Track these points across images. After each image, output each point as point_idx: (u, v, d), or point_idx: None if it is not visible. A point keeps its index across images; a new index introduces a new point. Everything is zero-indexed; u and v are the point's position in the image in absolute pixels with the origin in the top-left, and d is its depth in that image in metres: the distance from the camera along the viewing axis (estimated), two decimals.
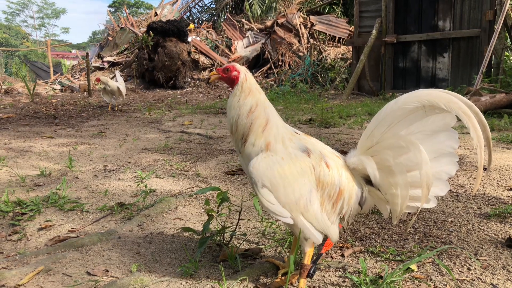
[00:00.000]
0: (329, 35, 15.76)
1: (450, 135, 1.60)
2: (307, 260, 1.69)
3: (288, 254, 2.02)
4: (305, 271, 1.69)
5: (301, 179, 1.61)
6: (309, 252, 1.69)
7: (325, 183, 1.63)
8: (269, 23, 16.82)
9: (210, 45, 17.04)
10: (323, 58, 14.42)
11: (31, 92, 11.17)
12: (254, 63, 16.19)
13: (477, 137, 1.46)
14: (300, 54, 15.08)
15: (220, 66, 15.27)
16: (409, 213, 2.48)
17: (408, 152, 1.56)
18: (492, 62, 9.28)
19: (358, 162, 1.69)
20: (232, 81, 1.74)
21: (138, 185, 3.34)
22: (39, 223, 2.57)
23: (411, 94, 1.56)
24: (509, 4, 8.78)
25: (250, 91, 1.70)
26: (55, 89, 14.39)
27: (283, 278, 1.82)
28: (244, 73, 1.73)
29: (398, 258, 2.04)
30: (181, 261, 2.03)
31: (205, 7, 22.94)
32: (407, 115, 1.57)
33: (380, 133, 1.62)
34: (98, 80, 8.60)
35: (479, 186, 3.16)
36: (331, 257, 2.08)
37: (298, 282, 1.70)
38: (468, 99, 6.30)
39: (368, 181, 1.71)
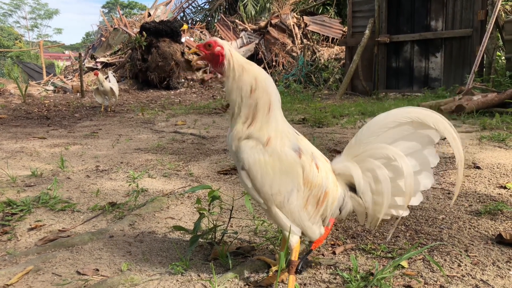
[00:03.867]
0: (323, 35, 15.80)
1: (432, 152, 1.69)
2: (294, 256, 1.69)
3: (279, 251, 2.02)
4: (293, 268, 1.69)
5: (284, 177, 1.61)
6: (295, 247, 1.69)
7: (313, 183, 1.65)
8: (262, 23, 16.83)
9: None
10: (316, 59, 14.45)
11: (24, 93, 11.10)
12: None
13: (460, 157, 1.61)
14: (294, 54, 15.11)
15: None
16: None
17: (394, 162, 1.64)
18: (484, 61, 9.35)
19: (345, 168, 1.73)
20: (216, 59, 1.62)
21: (130, 184, 3.33)
22: (29, 223, 2.55)
23: (402, 109, 1.66)
24: (501, 4, 8.85)
25: (243, 68, 1.62)
26: (47, 90, 14.30)
27: (274, 275, 1.81)
28: (228, 48, 1.63)
29: (389, 255, 2.04)
30: (172, 260, 2.02)
31: (199, 8, 22.93)
32: (396, 128, 1.66)
33: (368, 142, 1.68)
34: (96, 74, 8.58)
35: (472, 185, 3.18)
36: (323, 254, 2.08)
37: (287, 279, 1.70)
38: (460, 98, 6.36)
39: (351, 188, 1.75)
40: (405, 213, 1.75)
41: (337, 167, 1.75)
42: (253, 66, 1.67)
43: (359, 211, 1.78)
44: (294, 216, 1.66)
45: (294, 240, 1.69)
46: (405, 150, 1.66)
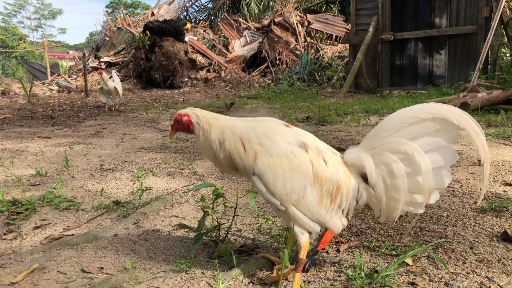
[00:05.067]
0: (326, 33, 15.75)
1: (452, 150, 1.65)
2: (303, 255, 1.69)
3: (283, 249, 2.02)
4: (301, 266, 1.69)
5: (295, 174, 1.62)
6: (304, 246, 1.69)
7: (323, 179, 1.64)
8: (266, 22, 16.81)
9: (207, 45, 17.02)
10: (320, 57, 14.42)
11: (28, 93, 11.15)
12: (252, 62, 16.18)
13: (485, 153, 1.58)
14: (297, 52, 15.08)
15: (218, 65, 15.32)
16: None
17: (412, 158, 1.60)
18: (489, 58, 9.30)
19: (357, 159, 1.70)
20: (188, 127, 1.74)
21: (134, 183, 3.34)
22: (34, 222, 2.56)
23: (425, 105, 1.63)
24: (505, 1, 8.79)
25: (210, 125, 1.71)
26: (52, 90, 14.36)
27: (278, 273, 1.81)
28: (192, 113, 1.73)
29: (394, 252, 2.04)
30: (176, 258, 2.03)
31: (202, 7, 22.92)
32: (417, 124, 1.62)
33: (386, 136, 1.65)
34: (100, 73, 8.61)
35: (477, 182, 3.16)
36: (327, 252, 2.08)
37: (293, 276, 1.70)
38: (465, 95, 6.34)
39: (364, 178, 1.72)
40: (421, 210, 1.71)
41: (349, 158, 1.73)
42: (219, 120, 1.74)
43: (373, 203, 1.76)
44: (313, 211, 1.65)
45: (304, 239, 1.69)
46: (424, 147, 1.62)
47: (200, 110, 1.75)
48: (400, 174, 1.62)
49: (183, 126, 1.74)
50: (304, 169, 1.63)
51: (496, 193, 2.88)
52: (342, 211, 1.73)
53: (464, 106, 6.50)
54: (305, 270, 1.73)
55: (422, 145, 1.62)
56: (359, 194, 1.73)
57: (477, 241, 2.13)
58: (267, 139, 1.67)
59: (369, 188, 1.71)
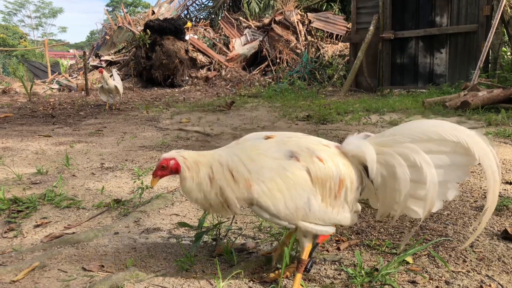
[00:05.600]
0: (327, 32, 15.73)
1: (464, 169, 1.60)
2: (305, 255, 1.68)
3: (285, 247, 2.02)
4: (303, 266, 1.68)
5: (294, 191, 1.58)
6: (307, 247, 1.69)
7: (323, 179, 1.59)
8: (266, 20, 16.78)
9: (207, 43, 17.01)
10: (320, 55, 14.40)
11: (29, 91, 11.15)
12: (252, 61, 16.16)
13: (493, 201, 1.51)
14: (298, 51, 15.06)
15: (218, 64, 15.30)
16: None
17: (420, 169, 1.55)
18: (490, 57, 9.29)
19: (358, 150, 1.64)
20: (176, 170, 1.66)
21: (134, 182, 3.34)
22: (35, 220, 2.56)
23: (452, 126, 1.56)
24: None
25: (197, 163, 1.65)
26: (53, 88, 14.36)
27: (278, 271, 1.82)
28: (178, 156, 1.66)
29: (394, 251, 2.04)
30: (177, 256, 2.03)
31: (203, 5, 22.89)
32: (438, 141, 1.56)
33: (402, 140, 1.59)
34: (101, 71, 8.61)
35: (477, 180, 3.16)
36: (327, 250, 2.08)
37: (294, 275, 1.71)
38: (466, 94, 6.32)
39: (365, 169, 1.66)
40: (419, 217, 1.66)
41: (349, 149, 1.67)
42: (206, 156, 1.68)
43: (371, 197, 1.75)
44: (324, 218, 1.62)
45: (308, 243, 1.68)
46: (435, 162, 1.56)
47: (186, 152, 1.70)
48: (404, 178, 1.57)
49: (170, 171, 1.66)
50: (302, 181, 1.58)
51: None
52: (354, 202, 1.68)
53: (464, 104, 6.50)
54: (306, 270, 1.74)
55: (435, 159, 1.56)
56: (364, 185, 1.69)
57: (478, 240, 2.13)
58: (252, 163, 1.61)
59: (369, 181, 1.67)
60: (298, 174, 1.58)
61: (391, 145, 1.61)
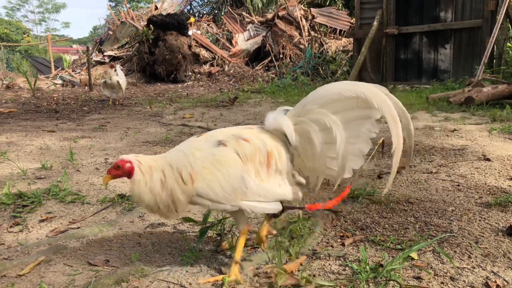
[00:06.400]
0: (330, 27, 15.66)
1: (371, 122, 1.71)
2: (241, 242, 1.77)
3: (287, 243, 2.03)
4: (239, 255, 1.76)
5: (226, 172, 1.66)
6: (243, 231, 1.77)
7: (252, 155, 1.69)
8: (270, 16, 16.72)
9: (210, 39, 16.97)
10: (324, 51, 14.35)
11: (33, 87, 11.17)
12: (255, 56, 16.13)
13: (398, 143, 1.57)
14: (301, 46, 15.01)
15: (221, 59, 15.28)
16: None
17: (330, 131, 1.65)
18: (494, 52, 9.23)
19: (276, 123, 1.75)
20: (129, 173, 1.68)
21: None
22: (40, 215, 2.58)
23: (351, 83, 1.68)
24: None
25: (150, 168, 1.68)
26: (56, 83, 14.38)
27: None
28: (135, 160, 1.69)
29: (399, 246, 2.04)
30: (181, 251, 2.04)
31: (206, 1, 22.83)
32: (340, 100, 1.67)
33: (312, 107, 1.70)
34: (112, 66, 8.65)
35: (482, 177, 3.15)
36: (332, 246, 2.08)
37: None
38: (470, 90, 6.29)
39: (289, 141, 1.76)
40: (346, 175, 1.74)
41: (269, 124, 1.77)
42: (158, 160, 1.72)
43: (301, 165, 1.82)
44: (265, 194, 1.70)
45: (241, 227, 1.78)
46: (343, 120, 1.67)
47: (142, 156, 1.73)
48: (318, 141, 1.68)
49: (123, 172, 1.68)
50: (233, 163, 1.66)
51: (501, 187, 2.87)
52: (287, 175, 1.76)
53: (469, 100, 6.47)
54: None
55: (341, 119, 1.67)
56: (291, 154, 1.77)
57: (483, 236, 2.13)
58: (187, 158, 1.69)
59: (293, 149, 1.76)
60: (227, 156, 1.67)
61: (304, 114, 1.72)
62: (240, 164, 1.66)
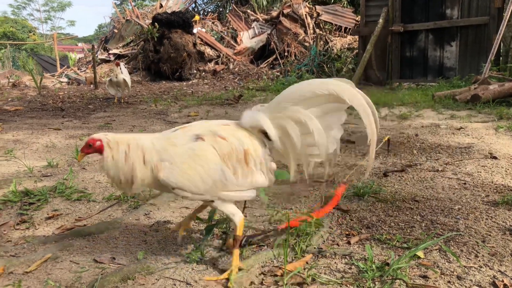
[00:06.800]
0: (335, 25, 15.61)
1: (341, 113, 1.86)
2: (239, 231, 1.80)
3: (293, 241, 2.03)
4: (238, 242, 1.80)
5: (206, 165, 1.73)
6: (240, 224, 1.81)
7: (229, 153, 1.76)
8: (274, 13, 16.68)
9: (215, 37, 16.96)
10: (329, 48, 14.30)
11: (38, 85, 11.22)
12: (260, 54, 16.10)
13: (372, 133, 1.74)
14: (306, 44, 14.96)
15: (226, 57, 15.28)
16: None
17: (305, 124, 1.78)
18: (501, 50, 9.16)
19: (253, 120, 1.84)
20: (100, 150, 1.77)
21: None
22: (46, 212, 2.59)
23: (323, 81, 1.80)
24: None
25: (117, 143, 1.76)
26: (62, 82, 14.43)
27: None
28: (104, 137, 1.77)
29: (405, 245, 2.03)
30: (187, 249, 2.04)
31: None
32: (314, 97, 1.79)
33: (287, 105, 1.81)
34: (117, 64, 8.68)
35: (489, 175, 3.14)
36: (337, 244, 2.08)
37: (232, 253, 1.81)
38: (476, 88, 6.25)
39: (266, 135, 1.85)
40: (322, 158, 1.85)
41: (246, 121, 1.85)
42: (126, 137, 1.81)
43: (281, 156, 1.91)
44: (244, 183, 1.79)
45: (238, 218, 1.81)
46: (316, 114, 1.79)
47: (112, 135, 1.81)
48: (295, 134, 1.79)
49: (94, 150, 1.78)
50: (212, 156, 1.74)
51: (508, 186, 2.85)
52: (266, 167, 1.85)
53: (475, 98, 6.43)
54: (242, 246, 1.91)
55: (315, 112, 1.80)
56: (268, 148, 1.86)
57: (490, 235, 2.12)
58: (165, 152, 1.76)
59: (273, 143, 1.85)
60: (207, 150, 1.75)
61: (280, 111, 1.82)
62: (218, 158, 1.75)
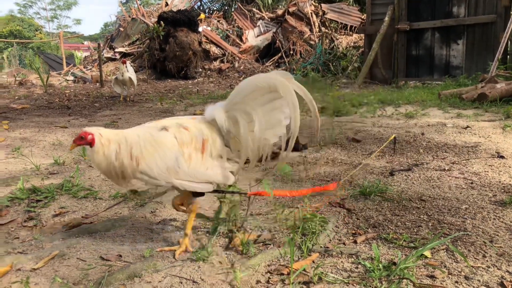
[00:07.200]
0: (341, 23, 15.56)
1: (282, 111, 1.96)
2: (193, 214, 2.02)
3: (299, 240, 2.03)
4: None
5: (162, 152, 1.90)
6: (194, 207, 2.00)
7: (189, 141, 1.93)
8: (280, 12, 16.66)
9: (221, 35, 16.96)
10: (334, 47, 14.25)
11: (45, 83, 11.28)
12: (265, 52, 16.09)
13: (295, 126, 1.90)
14: (312, 42, 14.93)
15: (231, 56, 15.27)
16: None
17: (250, 113, 1.93)
18: (508, 48, 9.09)
19: (211, 114, 2.00)
20: (91, 143, 1.89)
21: None
22: (53, 210, 2.60)
23: (264, 76, 1.96)
24: None
25: (109, 140, 1.89)
26: (68, 80, 14.50)
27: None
28: (96, 132, 1.90)
29: (412, 244, 2.02)
30: (193, 247, 2.04)
31: None
32: (257, 90, 1.92)
33: (237, 99, 1.96)
34: (124, 62, 8.72)
35: (496, 174, 3.11)
36: (344, 243, 2.07)
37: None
38: (483, 86, 6.20)
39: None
40: (273, 141, 1.99)
41: (207, 116, 2.02)
42: (118, 135, 1.94)
43: (236, 145, 2.01)
44: (195, 175, 1.92)
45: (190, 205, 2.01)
46: (261, 106, 1.93)
47: (104, 130, 1.93)
48: (243, 123, 1.94)
49: (86, 142, 1.90)
50: (170, 145, 1.90)
51: None
52: (223, 158, 1.98)
53: (482, 97, 6.38)
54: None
55: (261, 101, 1.93)
56: (225, 139, 1.99)
57: (497, 235, 2.10)
58: (143, 143, 1.91)
59: (227, 134, 1.98)
60: (166, 139, 1.92)
61: (233, 105, 1.98)
62: (176, 146, 1.91)
